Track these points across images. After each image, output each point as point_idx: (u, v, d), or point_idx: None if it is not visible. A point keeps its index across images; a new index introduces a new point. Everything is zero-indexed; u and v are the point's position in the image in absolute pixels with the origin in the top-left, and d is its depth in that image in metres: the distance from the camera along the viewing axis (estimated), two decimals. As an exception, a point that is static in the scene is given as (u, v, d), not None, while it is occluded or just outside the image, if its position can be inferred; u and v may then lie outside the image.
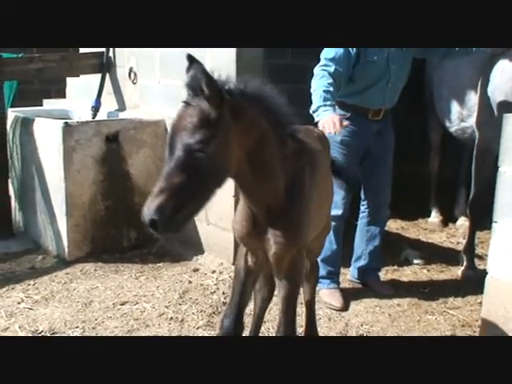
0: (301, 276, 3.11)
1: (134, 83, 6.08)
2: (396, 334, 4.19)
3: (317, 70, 4.27)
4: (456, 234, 6.34)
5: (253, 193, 2.74)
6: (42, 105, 7.45)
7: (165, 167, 2.37)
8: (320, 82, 4.16)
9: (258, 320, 3.58)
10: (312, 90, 4.19)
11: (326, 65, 4.22)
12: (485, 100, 4.95)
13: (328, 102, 4.03)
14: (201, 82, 2.35)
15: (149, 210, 2.30)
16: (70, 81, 7.22)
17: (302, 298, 3.75)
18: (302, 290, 3.52)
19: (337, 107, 4.26)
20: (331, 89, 4.12)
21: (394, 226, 6.38)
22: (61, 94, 8.05)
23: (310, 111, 4.06)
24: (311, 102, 4.10)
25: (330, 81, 4.15)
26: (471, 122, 5.27)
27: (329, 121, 3.81)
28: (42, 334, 4.14)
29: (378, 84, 4.46)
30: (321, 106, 4.03)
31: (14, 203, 6.15)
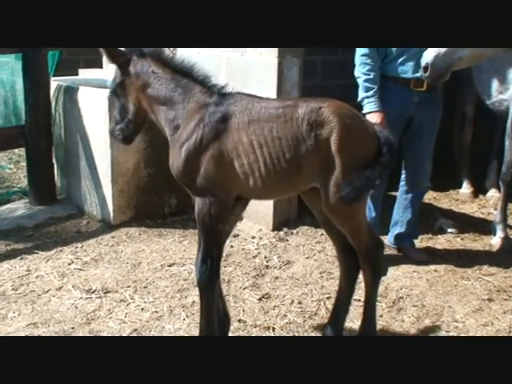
0: (205, 219, 3.28)
1: (174, 53, 6.17)
2: (435, 298, 4.37)
3: (357, 55, 4.53)
4: (486, 205, 6.47)
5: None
6: (73, 74, 7.50)
7: None
8: (360, 69, 4.49)
9: None
10: (356, 78, 4.53)
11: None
12: None
13: (370, 93, 4.41)
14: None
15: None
16: (107, 51, 7.30)
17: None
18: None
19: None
20: (371, 75, 4.44)
21: (426, 196, 6.46)
22: (89, 64, 8.15)
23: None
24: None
25: (369, 67, 4.46)
26: (509, 94, 5.37)
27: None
28: (96, 292, 4.35)
29: (411, 50, 4.50)
30: (364, 97, 4.43)
31: (56, 169, 6.31)
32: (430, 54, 4.09)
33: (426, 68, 4.16)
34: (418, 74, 4.51)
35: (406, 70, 4.56)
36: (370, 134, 3.22)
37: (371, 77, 4.45)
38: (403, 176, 4.99)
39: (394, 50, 4.52)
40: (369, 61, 4.46)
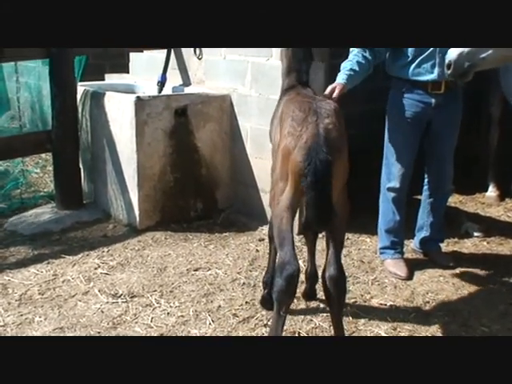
0: None
1: (200, 59, 6.24)
2: (461, 302, 4.34)
3: None
4: (513, 209, 6.41)
5: None
6: (100, 79, 7.54)
7: None
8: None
9: None
10: None
11: None
12: None
13: (342, 70, 4.42)
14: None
15: None
16: (133, 56, 7.37)
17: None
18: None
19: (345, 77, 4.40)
20: (350, 57, 4.49)
21: (451, 199, 6.43)
22: (115, 69, 8.21)
23: None
24: None
25: (355, 51, 4.49)
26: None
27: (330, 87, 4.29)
28: (122, 297, 4.37)
29: (426, 52, 4.46)
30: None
31: (82, 174, 6.34)
32: (453, 52, 4.06)
33: (449, 65, 4.14)
34: (434, 77, 4.50)
35: (423, 73, 4.52)
36: (292, 132, 3.34)
37: (350, 58, 4.48)
38: (426, 180, 4.94)
39: (409, 52, 4.49)
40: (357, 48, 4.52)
